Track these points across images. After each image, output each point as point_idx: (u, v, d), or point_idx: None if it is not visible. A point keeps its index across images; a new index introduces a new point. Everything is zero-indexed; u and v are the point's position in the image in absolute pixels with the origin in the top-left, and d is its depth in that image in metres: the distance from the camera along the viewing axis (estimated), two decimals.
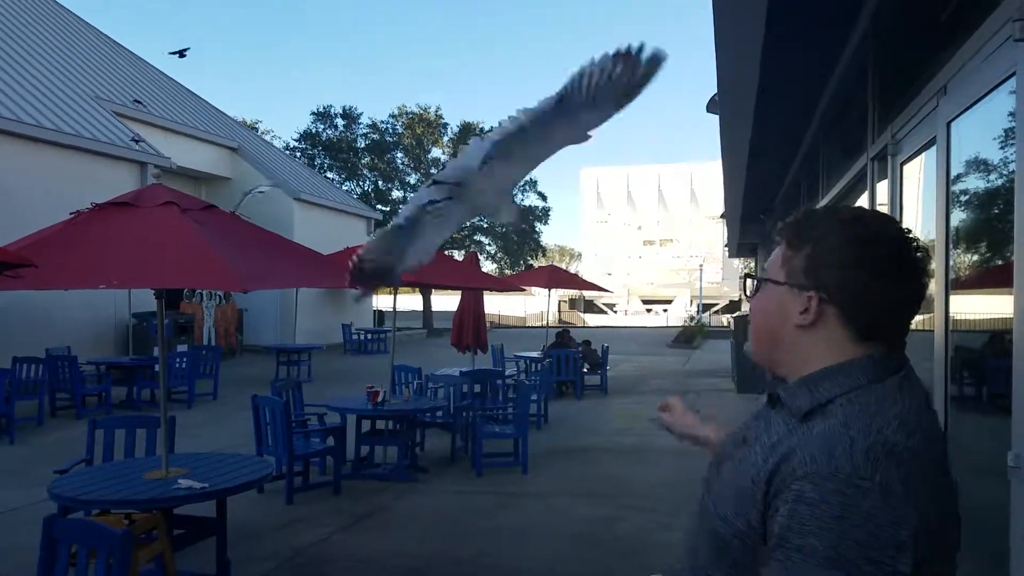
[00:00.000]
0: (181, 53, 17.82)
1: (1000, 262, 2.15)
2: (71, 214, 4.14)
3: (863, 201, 4.59)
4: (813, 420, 1.03)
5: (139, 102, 18.09)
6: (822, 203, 6.31)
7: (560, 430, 9.48)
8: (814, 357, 1.08)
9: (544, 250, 39.43)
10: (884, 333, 1.06)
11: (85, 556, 2.91)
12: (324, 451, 6.78)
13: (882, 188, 3.95)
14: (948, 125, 2.58)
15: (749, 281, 1.19)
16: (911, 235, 1.08)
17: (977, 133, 2.49)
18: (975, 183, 2.76)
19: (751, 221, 13.25)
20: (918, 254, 1.07)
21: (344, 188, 30.26)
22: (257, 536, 5.33)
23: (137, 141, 15.36)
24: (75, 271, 3.56)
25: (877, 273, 1.03)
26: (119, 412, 9.88)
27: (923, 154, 3.24)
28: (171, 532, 4.07)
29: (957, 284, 2.85)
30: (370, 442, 7.36)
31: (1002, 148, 2.22)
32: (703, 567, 1.13)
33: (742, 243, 17.27)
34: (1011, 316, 1.98)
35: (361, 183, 33.84)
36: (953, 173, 2.73)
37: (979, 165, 2.64)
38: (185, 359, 11.61)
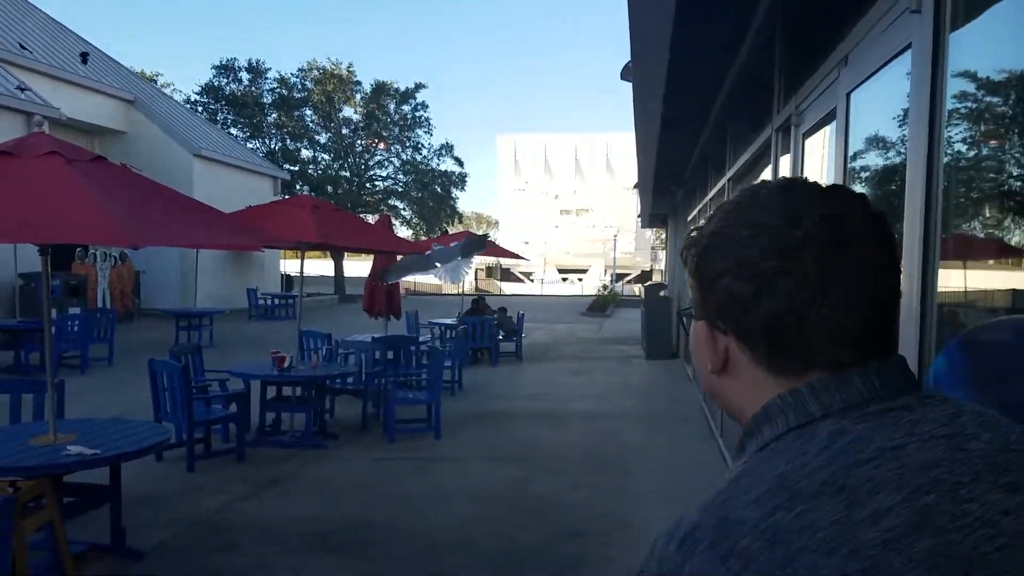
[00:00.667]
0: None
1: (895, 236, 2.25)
2: None
3: (767, 175, 4.73)
4: None
5: (24, 47, 16.74)
6: (728, 175, 6.49)
7: (474, 396, 9.52)
8: (749, 408, 0.76)
9: (461, 216, 39.21)
10: (812, 357, 0.70)
11: None
12: (226, 418, 6.57)
13: (785, 161, 4.07)
14: (848, 96, 2.67)
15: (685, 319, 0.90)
16: (815, 194, 0.73)
17: (875, 105, 2.58)
18: (873, 159, 2.87)
19: (663, 192, 13.53)
20: (824, 218, 0.70)
21: (249, 146, 29.06)
22: (155, 504, 5.13)
23: (22, 89, 14.25)
24: None
25: (751, 274, 0.70)
26: (4, 377, 9.25)
27: (825, 128, 3.36)
28: (61, 500, 3.86)
29: None
30: (276, 409, 7.17)
31: (898, 122, 2.31)
32: None
33: (654, 214, 17.65)
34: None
35: (267, 141, 32.56)
36: (852, 148, 2.84)
37: (877, 141, 2.75)
38: (77, 322, 10.99)
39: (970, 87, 1.92)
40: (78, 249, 16.05)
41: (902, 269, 2.04)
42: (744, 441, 0.75)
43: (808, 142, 3.72)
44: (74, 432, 4.23)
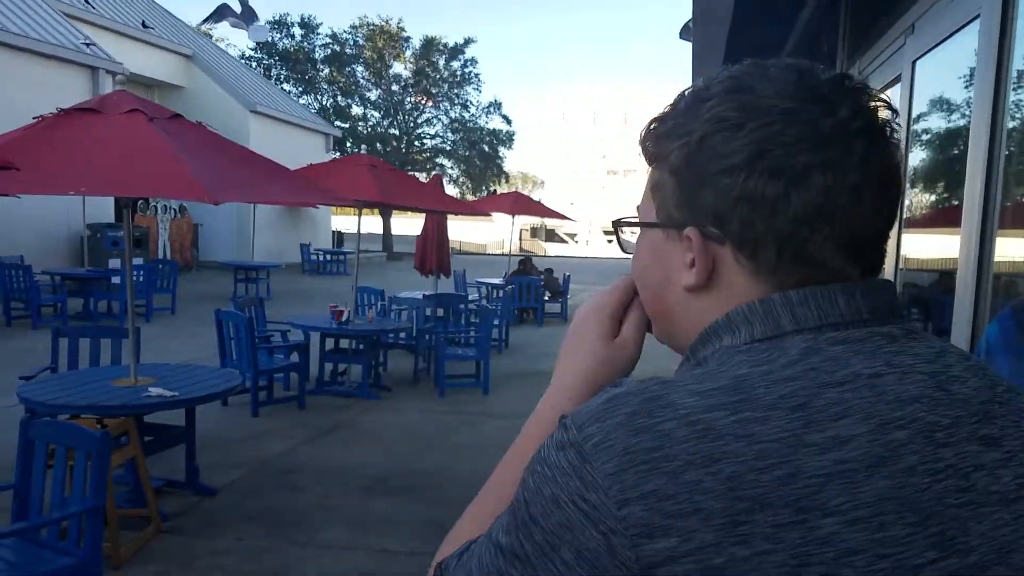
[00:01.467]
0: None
1: (956, 202, 2.29)
2: (34, 119, 4.02)
3: None
4: None
5: (88, 2, 17.15)
6: None
7: (520, 355, 9.71)
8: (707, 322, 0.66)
9: (507, 176, 39.15)
10: (825, 269, 0.62)
11: (64, 455, 2.98)
12: (288, 367, 6.87)
13: None
14: (913, 64, 2.68)
15: (621, 232, 0.75)
16: (844, 82, 0.63)
17: (940, 74, 2.59)
18: (936, 123, 2.87)
19: None
20: (860, 112, 0.61)
21: (302, 102, 29.38)
22: (224, 446, 5.45)
23: (89, 45, 14.64)
24: (43, 177, 3.49)
25: (778, 169, 0.59)
26: (75, 323, 9.76)
27: (887, 92, 3.34)
28: (142, 438, 4.15)
29: (910, 223, 3.00)
30: (334, 360, 7.46)
31: (962, 89, 2.32)
32: None
33: None
34: (957, 256, 2.12)
35: (319, 97, 32.84)
36: (915, 112, 2.84)
37: (940, 105, 2.75)
38: (142, 272, 11.45)
39: None
40: (140, 202, 16.60)
41: (961, 234, 2.09)
42: (696, 349, 0.65)
43: None
44: (152, 376, 4.52)
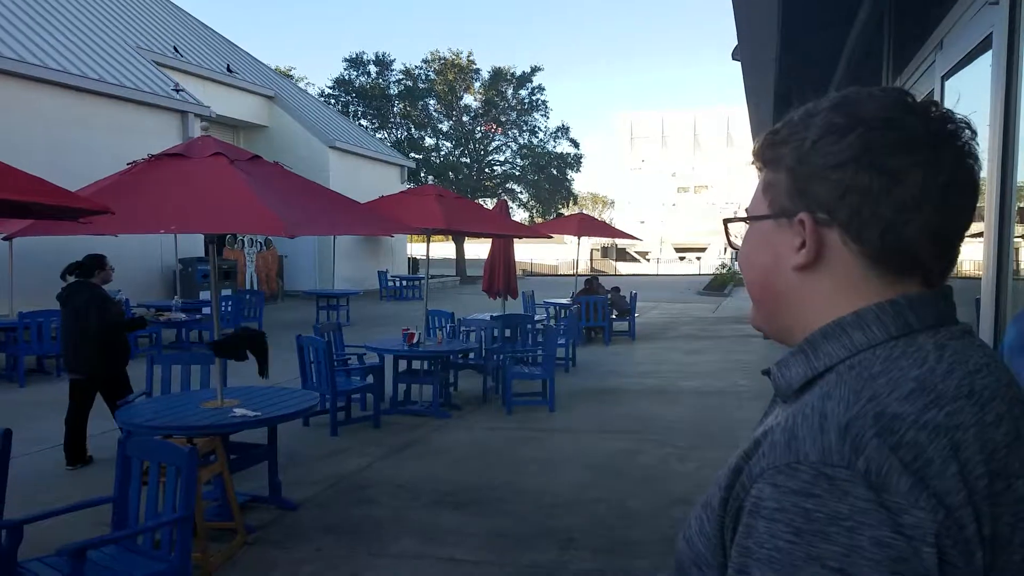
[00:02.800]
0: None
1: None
2: (128, 164, 4.47)
3: None
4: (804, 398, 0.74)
5: (178, 51, 18.37)
6: None
7: (587, 373, 9.81)
8: (823, 310, 0.76)
9: (575, 198, 39.30)
10: (915, 259, 0.73)
11: (156, 470, 3.31)
12: (364, 388, 7.20)
13: None
14: (943, 80, 2.73)
15: (731, 227, 0.88)
16: (935, 106, 0.76)
17: (967, 90, 2.63)
18: None
19: None
20: (948, 127, 0.73)
21: (377, 136, 30.45)
22: (304, 463, 5.79)
23: (178, 90, 15.70)
24: (137, 218, 3.90)
25: (883, 166, 0.71)
26: (168, 352, 10.44)
27: None
28: (228, 456, 4.49)
29: None
30: (407, 381, 7.76)
31: (983, 106, 2.37)
32: None
33: None
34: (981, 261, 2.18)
35: (394, 130, 33.95)
36: None
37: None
38: (230, 303, 12.12)
39: None
40: (228, 237, 17.57)
41: (984, 242, 2.15)
42: (820, 342, 0.75)
43: None
44: (237, 398, 4.88)
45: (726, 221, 0.89)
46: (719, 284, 25.62)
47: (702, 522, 0.77)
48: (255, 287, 17.64)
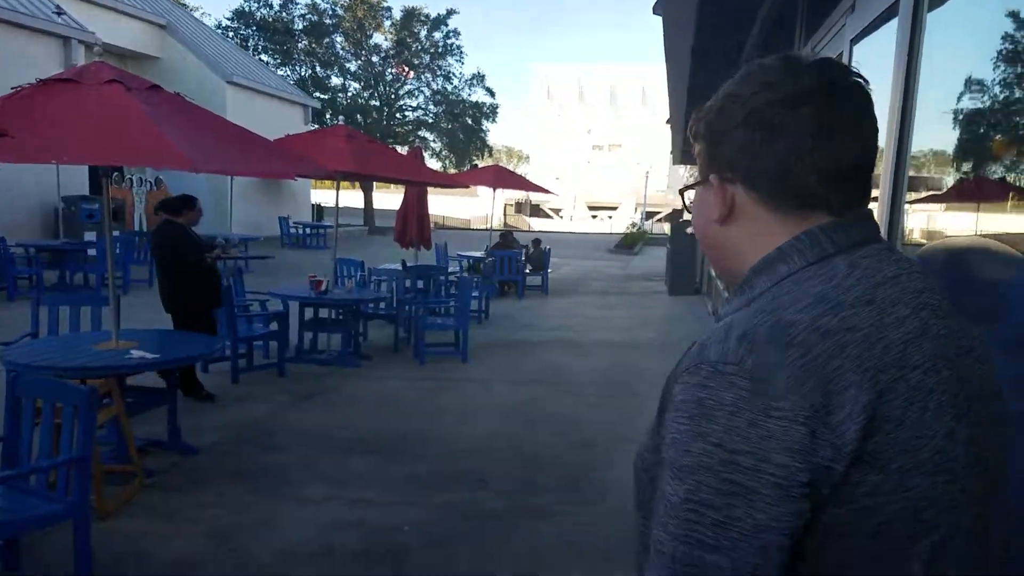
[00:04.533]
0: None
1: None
2: (12, 89, 4.07)
3: None
4: None
5: None
6: None
7: (500, 326, 9.89)
8: (751, 253, 0.87)
9: (491, 149, 38.97)
10: (813, 196, 0.84)
11: (50, 411, 3.12)
12: (268, 335, 6.99)
13: None
14: (851, 44, 2.82)
15: (685, 195, 0.98)
16: (818, 62, 0.86)
17: (873, 55, 2.73)
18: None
19: None
20: (822, 79, 0.84)
21: (279, 73, 29.04)
22: (205, 410, 5.59)
23: (59, 13, 14.42)
24: (26, 146, 3.57)
25: (762, 123, 0.83)
26: (53, 294, 9.78)
27: None
28: (125, 399, 4.28)
29: None
30: (313, 329, 7.58)
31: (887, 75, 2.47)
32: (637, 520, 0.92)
33: (686, 150, 17.56)
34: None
35: (297, 68, 32.43)
36: None
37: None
38: (119, 244, 11.45)
39: (946, 51, 2.09)
40: (114, 173, 16.48)
41: (876, 205, 2.26)
42: (752, 278, 0.86)
43: None
44: (134, 340, 4.64)
45: (681, 191, 1.01)
46: (629, 243, 26.19)
47: (651, 434, 0.88)
48: (145, 229, 16.69)
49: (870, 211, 0.88)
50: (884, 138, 2.28)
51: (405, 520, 3.82)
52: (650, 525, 0.80)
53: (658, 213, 52.45)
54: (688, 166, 28.35)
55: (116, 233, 12.80)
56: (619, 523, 3.85)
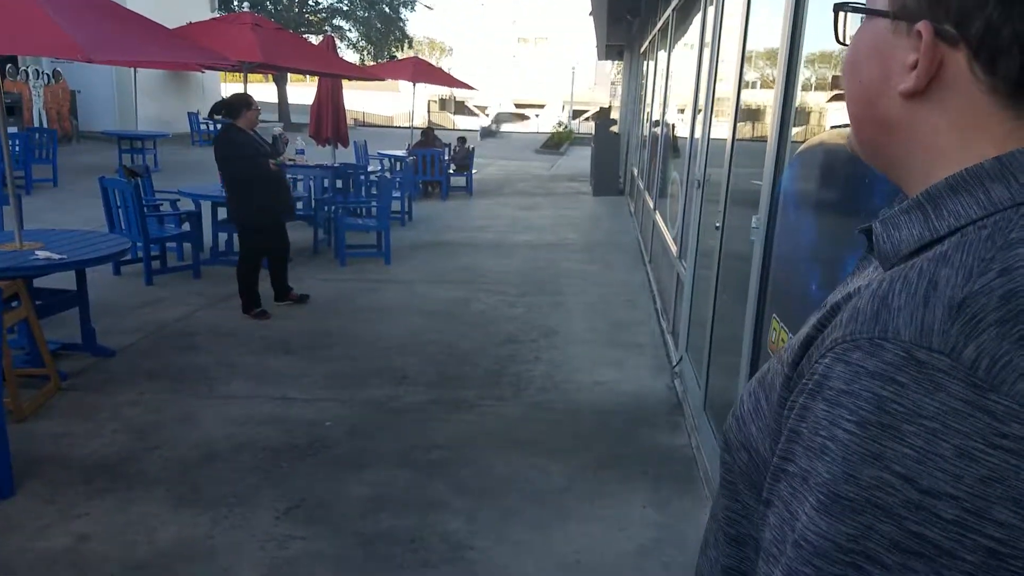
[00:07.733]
0: None
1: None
2: None
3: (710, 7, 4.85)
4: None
5: None
6: (672, 4, 6.53)
7: (423, 227, 9.86)
8: (942, 153, 0.58)
9: (411, 41, 37.49)
10: None
11: None
12: (180, 236, 6.80)
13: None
14: None
15: (842, 16, 0.66)
16: None
17: None
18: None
19: (618, 21, 13.18)
20: None
21: None
22: (119, 312, 5.48)
23: None
24: None
25: None
26: None
27: None
28: (33, 301, 4.16)
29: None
30: (228, 230, 7.40)
31: None
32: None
33: (610, 45, 17.30)
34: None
35: None
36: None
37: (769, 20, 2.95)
38: (17, 142, 10.74)
39: None
40: (8, 66, 15.20)
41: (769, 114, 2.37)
42: (946, 196, 0.56)
43: None
44: (39, 241, 4.46)
45: (836, 7, 0.65)
46: (555, 143, 26.09)
47: (758, 400, 0.64)
48: (45, 125, 15.60)
49: None
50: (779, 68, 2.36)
51: (327, 416, 3.93)
52: (747, 524, 0.64)
53: (585, 112, 52.11)
54: (614, 62, 27.93)
55: (14, 130, 11.97)
56: (536, 414, 4.09)
